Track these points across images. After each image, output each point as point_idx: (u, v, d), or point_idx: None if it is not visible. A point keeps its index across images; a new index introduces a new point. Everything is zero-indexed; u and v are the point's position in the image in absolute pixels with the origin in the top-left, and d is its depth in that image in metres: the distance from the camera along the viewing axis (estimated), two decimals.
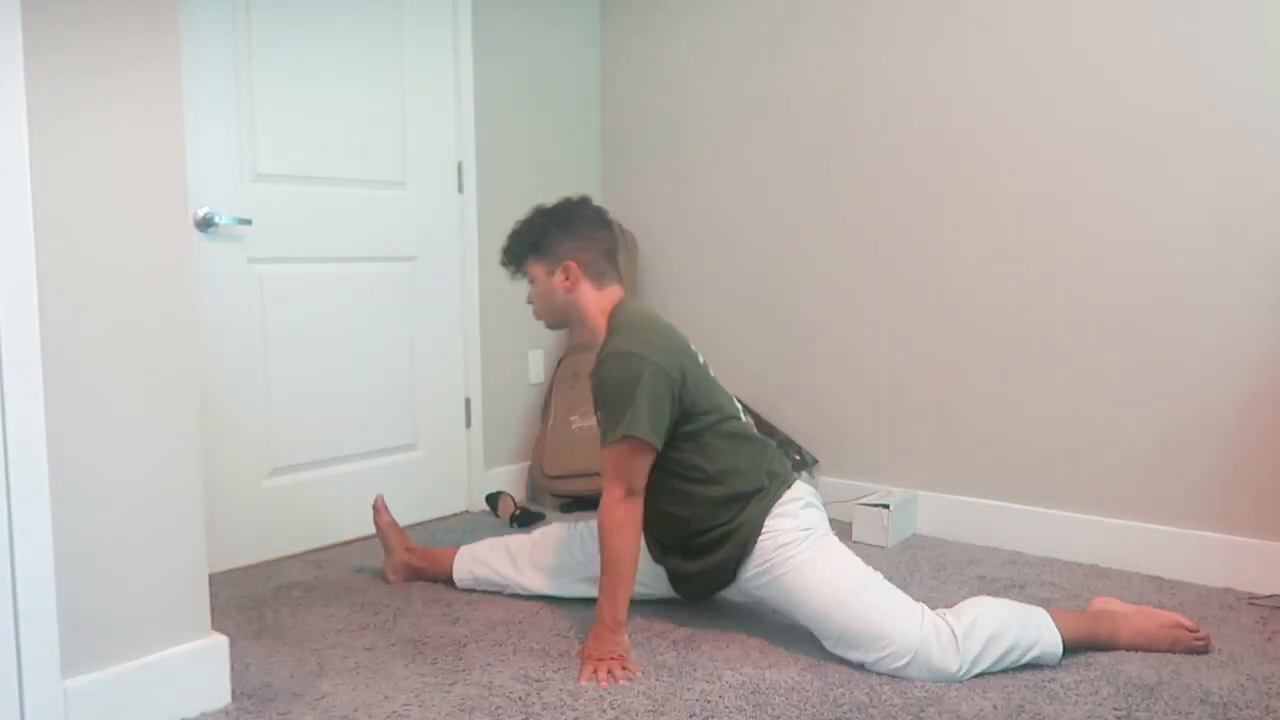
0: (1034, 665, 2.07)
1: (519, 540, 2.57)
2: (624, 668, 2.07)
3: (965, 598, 2.49)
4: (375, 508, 2.69)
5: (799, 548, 2.14)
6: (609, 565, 2.12)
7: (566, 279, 2.26)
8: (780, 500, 2.20)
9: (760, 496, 2.19)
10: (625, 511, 2.12)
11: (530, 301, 2.36)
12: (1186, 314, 2.63)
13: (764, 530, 2.17)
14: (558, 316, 2.35)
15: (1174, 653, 2.14)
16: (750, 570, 2.18)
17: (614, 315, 2.27)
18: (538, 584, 2.49)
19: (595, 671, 2.06)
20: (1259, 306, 2.53)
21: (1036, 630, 2.08)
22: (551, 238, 2.27)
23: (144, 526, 1.84)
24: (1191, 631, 2.16)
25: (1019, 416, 2.91)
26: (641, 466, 2.13)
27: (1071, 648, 2.11)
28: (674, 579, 2.35)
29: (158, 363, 1.84)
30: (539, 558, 2.50)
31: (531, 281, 2.32)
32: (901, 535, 3.02)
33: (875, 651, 2.05)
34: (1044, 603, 2.45)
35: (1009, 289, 2.91)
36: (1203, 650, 2.14)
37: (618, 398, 2.11)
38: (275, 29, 2.84)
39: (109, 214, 1.77)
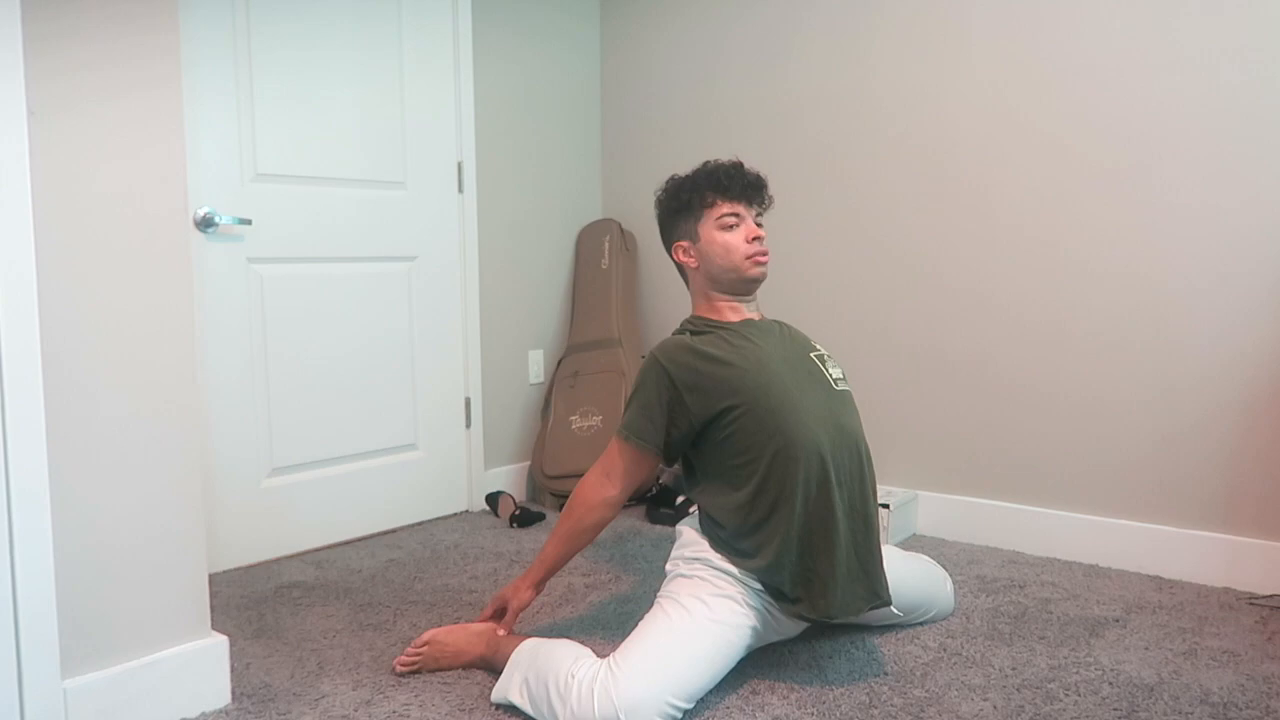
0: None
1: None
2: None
3: (965, 598, 2.50)
4: None
5: None
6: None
7: None
8: None
9: None
10: None
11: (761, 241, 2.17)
12: (1186, 314, 2.63)
13: None
14: None
15: None
16: None
17: None
18: None
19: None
20: (1259, 307, 2.53)
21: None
22: None
23: (144, 526, 1.84)
24: None
25: (1019, 416, 2.91)
26: None
27: None
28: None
29: (157, 362, 1.84)
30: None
31: (760, 225, 2.20)
32: (901, 535, 3.02)
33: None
34: (1044, 603, 2.45)
35: (1010, 289, 2.91)
36: None
37: None
38: (275, 29, 2.84)
39: (109, 214, 1.77)
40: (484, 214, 3.42)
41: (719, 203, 2.15)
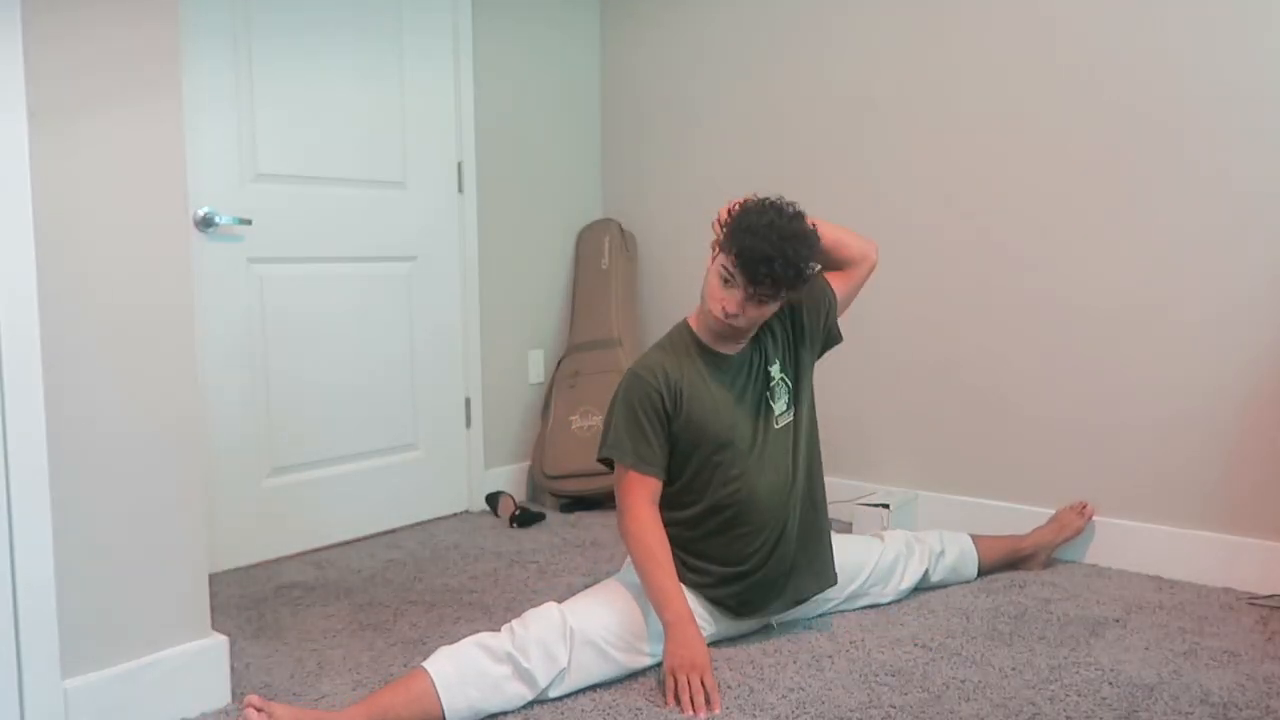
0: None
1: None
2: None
3: (964, 597, 2.50)
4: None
5: None
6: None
7: None
8: None
9: None
10: None
11: (743, 314, 2.09)
12: (1186, 314, 2.63)
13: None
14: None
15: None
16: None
17: None
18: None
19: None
20: (1258, 307, 2.53)
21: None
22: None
23: (144, 526, 1.84)
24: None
25: (1019, 416, 2.91)
26: None
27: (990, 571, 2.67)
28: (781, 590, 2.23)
29: (157, 362, 1.84)
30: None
31: (766, 303, 2.11)
32: None
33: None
34: (1044, 603, 2.46)
35: (1010, 289, 2.91)
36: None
37: None
38: (275, 29, 2.84)
39: (109, 214, 1.77)
40: (484, 214, 3.42)
41: (732, 257, 2.05)
